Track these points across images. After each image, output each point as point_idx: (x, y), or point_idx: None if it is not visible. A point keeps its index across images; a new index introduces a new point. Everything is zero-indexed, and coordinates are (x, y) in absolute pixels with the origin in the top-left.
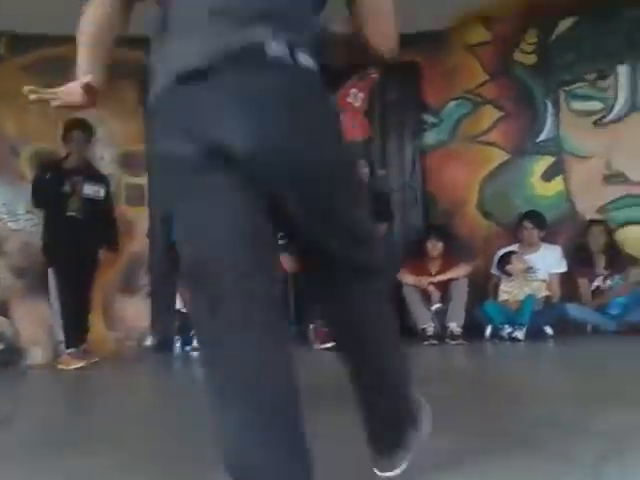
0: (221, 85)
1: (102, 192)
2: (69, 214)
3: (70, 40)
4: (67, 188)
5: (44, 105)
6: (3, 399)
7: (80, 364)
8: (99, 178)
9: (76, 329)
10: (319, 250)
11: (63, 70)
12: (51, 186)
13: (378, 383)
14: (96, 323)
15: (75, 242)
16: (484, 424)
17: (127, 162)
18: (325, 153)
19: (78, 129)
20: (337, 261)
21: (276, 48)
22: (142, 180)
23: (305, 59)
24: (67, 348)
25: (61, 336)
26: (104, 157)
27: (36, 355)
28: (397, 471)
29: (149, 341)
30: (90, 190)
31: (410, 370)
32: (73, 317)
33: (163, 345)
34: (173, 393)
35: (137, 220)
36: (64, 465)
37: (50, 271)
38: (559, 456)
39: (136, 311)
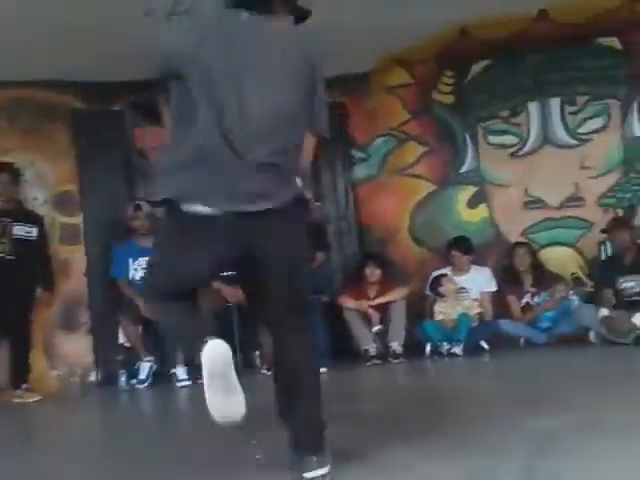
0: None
1: (34, 232)
2: None
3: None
4: None
5: None
6: None
7: None
8: (31, 219)
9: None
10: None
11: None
12: None
13: (297, 402)
14: (38, 361)
15: (6, 282)
16: (427, 429)
17: (61, 202)
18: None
19: (4, 172)
20: (273, 306)
21: None
22: (77, 219)
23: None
24: None
25: None
26: (38, 198)
27: None
28: (312, 474)
29: (93, 377)
30: (22, 231)
31: (320, 399)
32: None
33: (108, 380)
34: (119, 426)
35: (72, 259)
36: None
37: None
38: (496, 453)
39: (78, 348)
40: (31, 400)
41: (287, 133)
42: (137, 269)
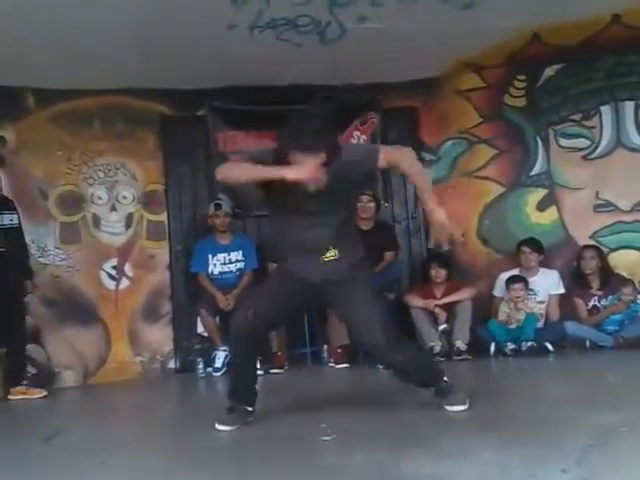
0: None
1: (15, 219)
2: None
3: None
4: None
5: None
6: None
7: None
8: (10, 206)
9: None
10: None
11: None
12: None
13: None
14: (122, 348)
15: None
16: (486, 420)
17: (148, 200)
18: None
19: None
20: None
21: None
22: (162, 217)
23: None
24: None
25: None
26: (126, 197)
27: (68, 377)
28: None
29: (172, 364)
30: (6, 219)
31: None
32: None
33: (186, 367)
34: (196, 408)
35: (157, 254)
36: None
37: None
38: (551, 446)
39: (160, 337)
40: (36, 396)
41: None
42: (216, 264)
